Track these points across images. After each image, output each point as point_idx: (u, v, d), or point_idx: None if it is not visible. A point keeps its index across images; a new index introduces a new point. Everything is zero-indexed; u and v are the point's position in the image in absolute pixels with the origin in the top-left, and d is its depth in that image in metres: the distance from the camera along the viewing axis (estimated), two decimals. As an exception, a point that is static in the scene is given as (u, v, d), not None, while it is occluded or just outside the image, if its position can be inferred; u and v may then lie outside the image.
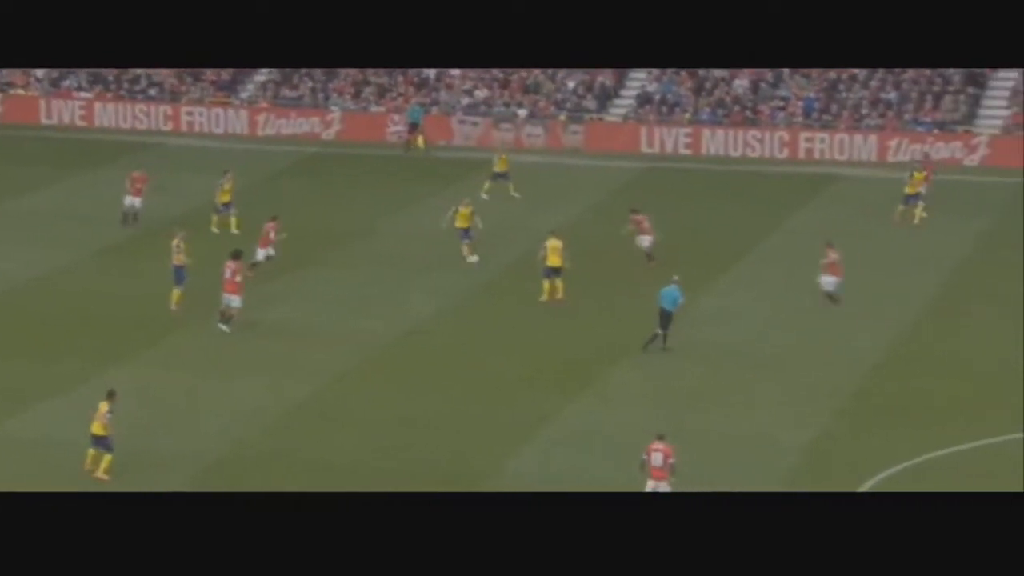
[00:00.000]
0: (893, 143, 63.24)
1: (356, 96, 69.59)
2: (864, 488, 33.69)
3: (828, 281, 44.55)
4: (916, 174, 54.09)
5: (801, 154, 63.84)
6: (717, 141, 64.83)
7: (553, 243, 45.24)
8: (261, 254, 47.97)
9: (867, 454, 35.55)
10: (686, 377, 40.72)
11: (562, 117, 67.24)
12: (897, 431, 36.93)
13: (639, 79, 68.97)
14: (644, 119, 66.74)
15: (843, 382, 40.00)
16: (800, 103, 66.01)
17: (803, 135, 64.31)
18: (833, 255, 44.83)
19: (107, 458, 34.42)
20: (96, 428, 34.48)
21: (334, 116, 68.39)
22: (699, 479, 34.46)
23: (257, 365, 41.40)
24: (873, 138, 63.59)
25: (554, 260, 44.96)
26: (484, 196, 56.57)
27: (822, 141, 63.97)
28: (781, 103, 66.38)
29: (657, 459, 32.14)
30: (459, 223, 49.82)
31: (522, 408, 38.55)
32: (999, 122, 64.14)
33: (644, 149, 64.79)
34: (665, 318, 41.82)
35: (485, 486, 34.16)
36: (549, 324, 44.52)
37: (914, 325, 44.08)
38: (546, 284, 45.30)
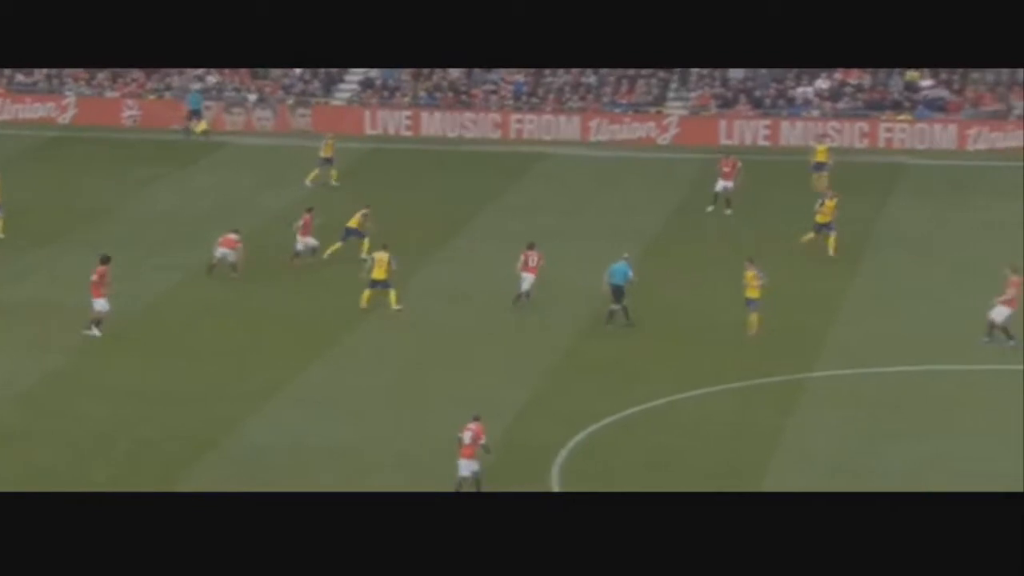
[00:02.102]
0: (594, 124, 64.42)
1: (90, 82, 68.31)
2: (572, 442, 34.50)
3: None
4: (822, 194, 49.65)
5: (512, 135, 64.69)
6: (435, 123, 65.29)
7: (380, 256, 44.17)
8: (301, 244, 46.72)
9: (576, 410, 36.33)
10: (410, 345, 41.12)
11: (290, 101, 67.02)
12: (603, 387, 37.82)
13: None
14: (367, 102, 66.92)
15: (555, 344, 40.80)
16: (510, 87, 66.86)
17: (513, 117, 65.15)
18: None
19: None
20: None
21: (69, 101, 67.03)
22: (422, 438, 35.00)
23: (2, 342, 40.67)
24: (576, 119, 64.74)
25: (379, 273, 43.96)
26: (308, 184, 55.86)
27: (530, 122, 64.92)
28: (493, 87, 67.13)
29: (467, 437, 31.75)
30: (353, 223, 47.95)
31: (258, 376, 38.54)
32: (688, 103, 65.86)
33: (368, 131, 64.94)
34: (618, 293, 41.73)
35: (223, 451, 34.22)
36: (282, 297, 44.52)
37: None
38: (367, 293, 43.63)
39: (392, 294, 42.86)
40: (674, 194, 55.95)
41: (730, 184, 52.76)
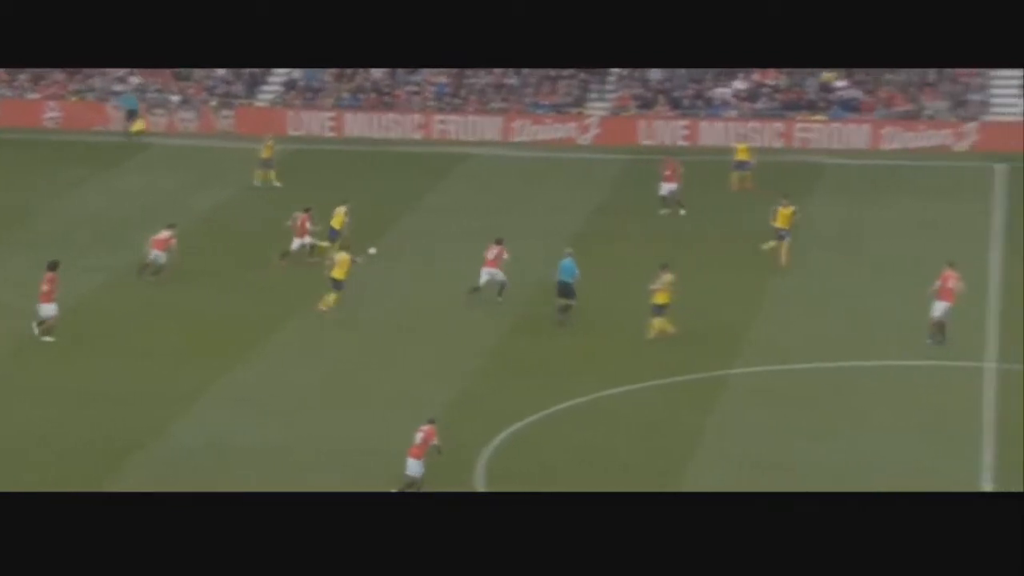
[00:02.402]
0: (516, 124, 64.55)
1: (11, 83, 67.65)
2: (497, 440, 34.56)
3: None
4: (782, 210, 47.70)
5: (435, 135, 64.70)
6: (358, 124, 65.20)
7: (342, 256, 43.86)
8: (296, 244, 46.34)
9: (501, 408, 36.38)
10: (338, 345, 41.05)
11: (213, 103, 66.70)
12: (529, 385, 37.91)
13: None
14: (291, 104, 66.71)
15: (482, 343, 40.85)
16: (432, 88, 66.84)
17: (436, 118, 65.15)
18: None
19: None
20: None
21: (-10, 103, 66.51)
22: (350, 437, 34.97)
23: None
24: (498, 120, 64.82)
25: (339, 273, 43.65)
26: (257, 184, 55.61)
27: (453, 123, 64.94)
28: (416, 88, 67.10)
29: (418, 438, 31.83)
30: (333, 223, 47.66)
31: (185, 377, 38.34)
32: (608, 104, 66.13)
33: (291, 132, 64.74)
34: (565, 289, 41.78)
35: (152, 452, 34.04)
36: (210, 298, 44.31)
37: (539, 286, 45.22)
38: (332, 296, 43.33)
39: (335, 296, 42.56)
40: (596, 194, 56.17)
41: (674, 186, 52.84)
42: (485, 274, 43.31)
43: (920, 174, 58.13)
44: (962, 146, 61.48)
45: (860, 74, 64.99)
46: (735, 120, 63.67)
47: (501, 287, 43.32)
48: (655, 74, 66.42)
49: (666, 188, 53.00)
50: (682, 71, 65.90)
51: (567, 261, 42.32)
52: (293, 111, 65.81)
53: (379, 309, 43.65)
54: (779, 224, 46.82)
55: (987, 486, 32.25)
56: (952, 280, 40.02)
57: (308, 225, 46.98)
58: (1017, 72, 64.19)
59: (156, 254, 45.34)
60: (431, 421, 32.23)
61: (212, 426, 35.62)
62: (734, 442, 34.83)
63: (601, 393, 37.40)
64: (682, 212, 52.44)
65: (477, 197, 55.72)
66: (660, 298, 40.31)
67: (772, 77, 65.77)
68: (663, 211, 52.60)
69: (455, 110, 65.67)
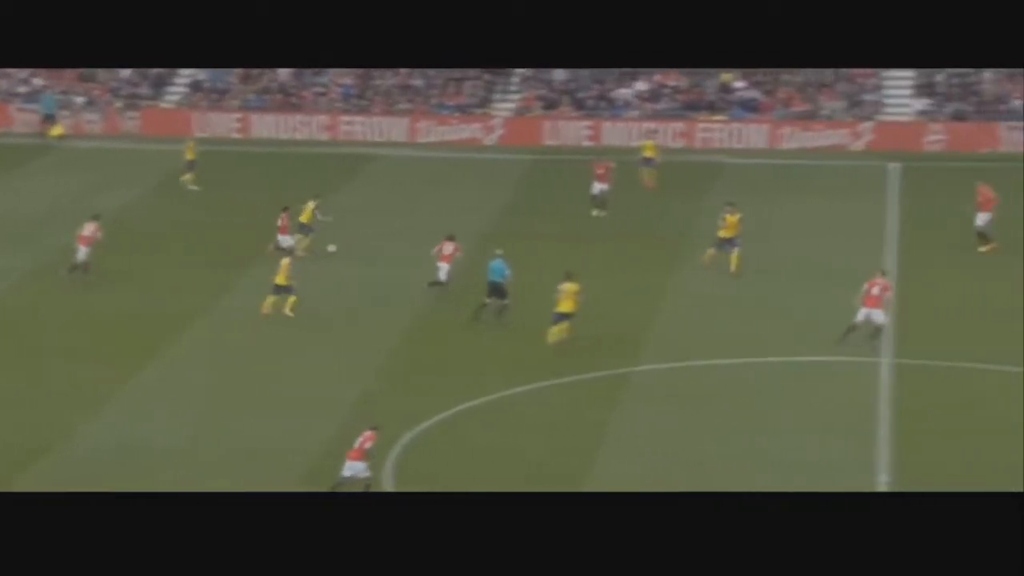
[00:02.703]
0: (422, 125, 64.64)
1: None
2: (403, 440, 34.65)
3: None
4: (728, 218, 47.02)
5: (342, 136, 64.67)
6: (265, 125, 65.02)
7: (284, 261, 43.16)
8: (281, 242, 46.45)
9: (407, 408, 36.45)
10: (244, 345, 40.96)
11: (118, 104, 66.26)
12: (434, 385, 38.05)
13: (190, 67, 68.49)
14: (196, 105, 66.42)
15: (387, 343, 40.92)
16: (339, 89, 66.78)
17: (343, 119, 65.11)
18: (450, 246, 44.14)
19: None
20: None
21: None
22: (260, 435, 34.94)
23: None
24: (404, 121, 64.88)
25: (281, 279, 42.82)
26: (192, 187, 55.25)
27: (360, 124, 64.93)
28: (322, 89, 67.01)
29: (356, 441, 31.86)
30: (303, 218, 48.13)
31: (92, 378, 38.13)
32: (512, 105, 66.38)
33: (197, 133, 64.41)
34: (496, 289, 41.87)
35: (60, 454, 33.83)
36: (116, 298, 44.07)
37: (444, 286, 45.38)
38: (272, 299, 42.89)
39: (292, 299, 42.36)
40: (502, 194, 56.37)
41: (605, 186, 52.88)
42: (443, 269, 43.44)
43: (817, 173, 58.82)
44: (858, 145, 62.28)
45: (758, 75, 65.63)
46: (637, 120, 64.12)
47: (438, 283, 43.63)
48: (559, 75, 66.72)
49: (597, 187, 52.99)
50: (585, 72, 66.27)
51: (497, 262, 42.48)
52: (199, 112, 65.54)
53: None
54: (727, 233, 45.77)
55: (883, 480, 32.75)
56: (878, 287, 40.20)
57: (288, 222, 47.34)
58: (909, 72, 65.19)
59: (84, 251, 44.93)
60: (373, 428, 32.19)
61: (121, 427, 35.44)
62: (636, 440, 35.12)
63: (505, 392, 37.58)
64: (598, 213, 52.26)
65: (384, 198, 55.75)
66: (564, 306, 40.02)
67: (673, 78, 66.27)
68: (595, 212, 52.46)
69: (361, 111, 65.66)
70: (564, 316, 39.96)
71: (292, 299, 42.31)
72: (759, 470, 33.26)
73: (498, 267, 42.39)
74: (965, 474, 32.82)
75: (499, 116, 65.25)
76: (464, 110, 65.71)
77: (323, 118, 65.03)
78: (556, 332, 39.95)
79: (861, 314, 39.82)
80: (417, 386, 38.01)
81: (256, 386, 38.07)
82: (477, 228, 51.29)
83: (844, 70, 65.02)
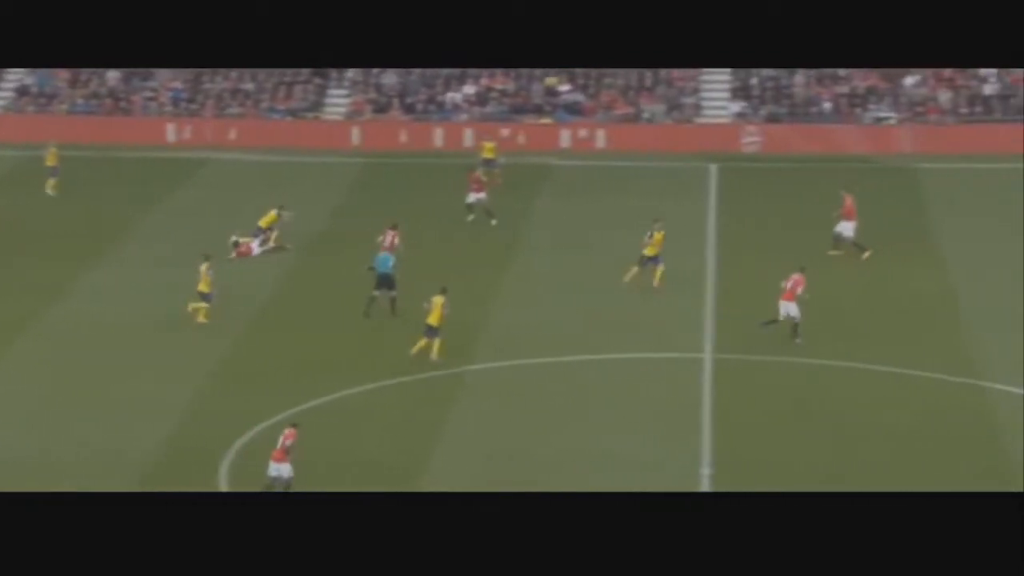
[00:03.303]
0: (252, 129, 64.35)
1: None
2: (240, 442, 34.59)
3: None
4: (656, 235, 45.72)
5: (172, 140, 64.11)
6: (92, 129, 64.25)
7: (203, 267, 42.36)
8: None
9: (243, 410, 36.33)
10: (74, 351, 40.48)
11: (-56, 109, 65.07)
12: (271, 386, 38.04)
13: (18, 72, 67.36)
14: (23, 109, 65.40)
15: (221, 345, 40.72)
16: (168, 93, 66.20)
17: (173, 123, 64.53)
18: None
19: None
20: None
21: None
22: (95, 440, 34.67)
23: None
24: (235, 126, 64.52)
25: (203, 287, 42.18)
26: (50, 193, 54.43)
27: (190, 128, 64.42)
28: (152, 94, 66.37)
29: (279, 442, 31.73)
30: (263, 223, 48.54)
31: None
32: (343, 109, 66.38)
33: (24, 139, 63.38)
34: (385, 280, 42.04)
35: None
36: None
37: (278, 287, 45.30)
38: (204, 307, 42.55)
39: (204, 307, 42.06)
40: (333, 196, 56.38)
41: (483, 195, 52.47)
42: (384, 258, 43.16)
43: (640, 174, 59.68)
44: (678, 147, 63.28)
45: (582, 78, 66.44)
46: (466, 124, 64.53)
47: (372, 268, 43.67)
48: (389, 79, 66.90)
49: (473, 197, 52.58)
50: (415, 77, 66.57)
51: (383, 254, 42.74)
52: (25, 117, 64.50)
53: (121, 313, 43.23)
54: (652, 251, 44.68)
55: (706, 472, 33.49)
56: (799, 285, 40.69)
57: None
58: (726, 75, 66.46)
59: None
60: (293, 425, 32.14)
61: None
62: (472, 437, 35.48)
63: (344, 392, 37.71)
64: (493, 222, 51.61)
65: (217, 201, 55.44)
66: (431, 319, 39.16)
67: (500, 82, 66.81)
68: (470, 217, 51.94)
69: (192, 115, 65.19)
70: (432, 329, 39.13)
71: (204, 307, 42.05)
72: (590, 465, 33.82)
73: (385, 259, 42.63)
74: (784, 465, 33.74)
75: (330, 120, 65.19)
76: (295, 114, 65.57)
77: (152, 122, 64.40)
78: (422, 346, 39.21)
79: (782, 309, 40.61)
80: (252, 388, 37.95)
81: (92, 391, 37.70)
82: (312, 229, 51.29)
83: (663, 74, 66.07)
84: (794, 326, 40.52)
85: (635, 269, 44.82)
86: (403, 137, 64.03)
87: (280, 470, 31.57)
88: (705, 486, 32.76)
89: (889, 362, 39.42)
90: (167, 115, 65.08)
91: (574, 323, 42.96)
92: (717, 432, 35.47)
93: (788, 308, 40.60)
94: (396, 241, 44.22)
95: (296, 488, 31.18)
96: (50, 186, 55.21)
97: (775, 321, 40.66)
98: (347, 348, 40.71)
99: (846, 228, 48.55)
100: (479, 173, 53.88)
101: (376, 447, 34.85)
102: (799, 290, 40.74)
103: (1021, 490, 31.73)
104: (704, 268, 47.84)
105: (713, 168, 60.31)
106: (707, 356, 40.23)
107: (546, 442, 35.04)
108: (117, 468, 33.04)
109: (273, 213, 49.36)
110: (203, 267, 42.39)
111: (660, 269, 44.60)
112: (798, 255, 49.19)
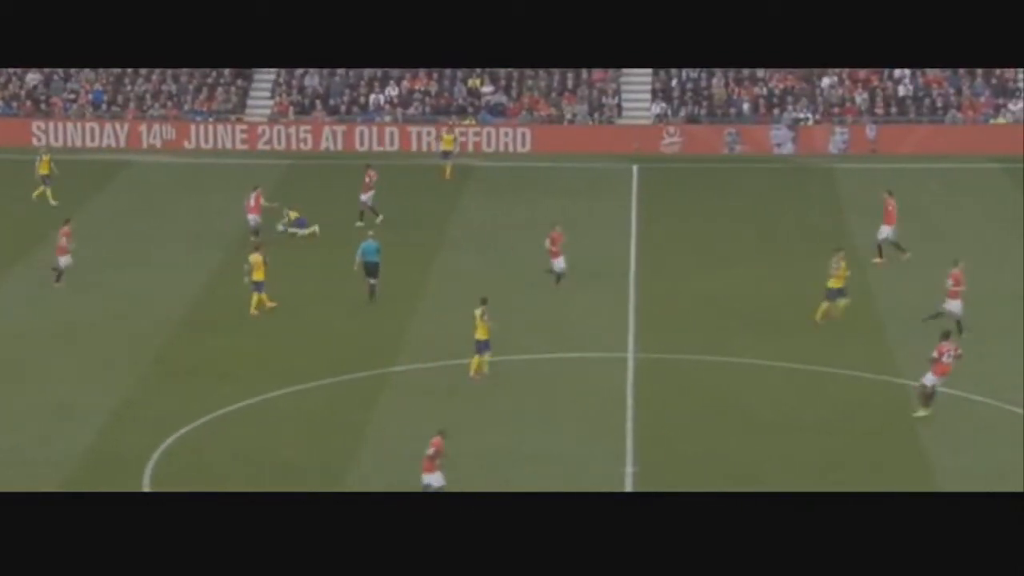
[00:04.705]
0: (176, 130, 63.71)
1: None
2: (164, 445, 34.12)
3: None
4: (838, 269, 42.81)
5: (94, 142, 63.38)
6: (9, 132, 63.40)
7: (256, 258, 42.00)
8: (252, 221, 47.60)
9: (167, 413, 35.86)
10: (2, 354, 39.93)
11: None
12: (195, 389, 37.56)
13: (-63, 74, 66.44)
14: (-57, 111, 64.51)
15: (144, 348, 40.24)
16: (89, 95, 65.43)
17: (95, 125, 63.79)
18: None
19: None
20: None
21: None
22: (16, 445, 34.11)
23: None
24: (157, 127, 63.86)
25: (259, 275, 41.80)
26: (35, 199, 53.55)
27: (112, 130, 63.70)
28: (73, 95, 65.57)
29: (428, 451, 31.18)
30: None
31: None
32: (267, 110, 65.92)
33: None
34: (372, 269, 42.64)
35: None
36: None
37: (205, 290, 44.83)
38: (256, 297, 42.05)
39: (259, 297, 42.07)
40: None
41: (371, 193, 52.06)
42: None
43: (563, 175, 59.59)
44: (600, 148, 63.26)
45: (504, 80, 66.30)
46: (390, 125, 64.21)
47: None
48: (311, 81, 66.49)
49: (366, 196, 52.38)
50: (338, 78, 66.22)
51: (369, 242, 43.18)
52: (-52, 119, 63.66)
53: (41, 317, 42.61)
54: (837, 284, 41.98)
55: (629, 470, 33.39)
56: (959, 281, 40.80)
57: (262, 201, 48.87)
58: (647, 77, 66.53)
59: None
60: (440, 433, 31.47)
61: None
62: (396, 438, 35.15)
63: (268, 395, 37.28)
64: (378, 219, 51.62)
65: (139, 203, 54.80)
66: (480, 334, 38.11)
67: (423, 84, 66.52)
68: (359, 223, 51.46)
69: (114, 117, 64.46)
70: (483, 343, 38.01)
71: (261, 297, 42.11)
72: (514, 465, 33.61)
73: (371, 247, 42.97)
74: (706, 462, 33.69)
75: (253, 122, 64.67)
76: (218, 116, 64.98)
77: (74, 124, 63.60)
78: (476, 363, 38.22)
79: (947, 305, 40.72)
80: (179, 390, 37.44)
81: (14, 396, 37.08)
82: (235, 231, 50.81)
83: (584, 76, 66.04)
84: (956, 322, 40.53)
85: (824, 305, 41.93)
86: (326, 139, 63.63)
87: (430, 480, 30.96)
88: (629, 485, 32.63)
89: (810, 360, 39.47)
90: (88, 117, 64.27)
91: (498, 322, 42.71)
92: (640, 431, 35.36)
93: (952, 305, 40.79)
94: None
95: (213, 489, 30.67)
96: (40, 194, 54.16)
97: (939, 315, 40.71)
98: (274, 349, 40.27)
99: (885, 231, 47.55)
100: (371, 171, 53.13)
101: (297, 450, 34.41)
102: (959, 287, 40.87)
103: (936, 489, 31.84)
104: (627, 268, 47.79)
105: (635, 168, 60.35)
106: (630, 355, 40.12)
107: (470, 442, 34.77)
108: (38, 473, 32.41)
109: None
110: (254, 257, 42.04)
111: (844, 302, 42.11)
112: (719, 254, 49.34)
